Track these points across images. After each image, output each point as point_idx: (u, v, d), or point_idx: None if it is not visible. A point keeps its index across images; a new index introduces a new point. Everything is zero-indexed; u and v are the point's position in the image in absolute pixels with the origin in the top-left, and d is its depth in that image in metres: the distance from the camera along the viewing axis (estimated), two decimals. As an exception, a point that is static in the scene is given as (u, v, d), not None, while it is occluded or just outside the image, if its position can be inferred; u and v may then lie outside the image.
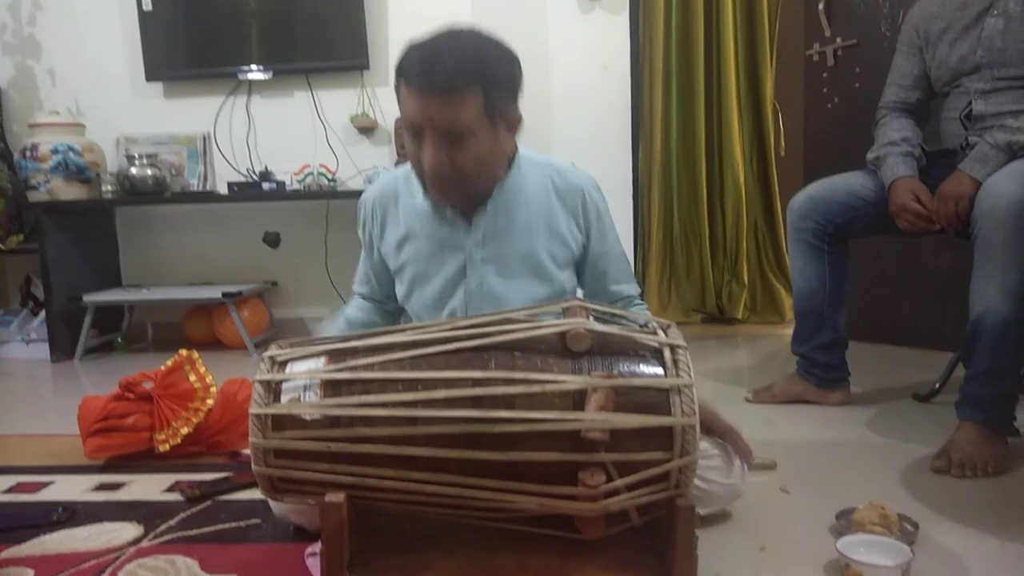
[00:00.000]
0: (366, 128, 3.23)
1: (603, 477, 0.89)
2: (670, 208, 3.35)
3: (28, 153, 3.06)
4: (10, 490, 1.60)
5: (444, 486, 0.93)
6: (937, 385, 2.07)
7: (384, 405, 0.94)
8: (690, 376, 0.93)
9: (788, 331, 2.16)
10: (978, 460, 1.52)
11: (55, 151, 3.05)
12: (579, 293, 1.40)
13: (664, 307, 3.33)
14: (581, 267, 1.37)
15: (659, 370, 0.95)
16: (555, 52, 3.13)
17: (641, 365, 0.95)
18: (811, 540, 1.25)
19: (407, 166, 1.30)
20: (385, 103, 3.24)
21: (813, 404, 2.04)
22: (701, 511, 1.24)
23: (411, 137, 1.17)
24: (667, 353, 0.96)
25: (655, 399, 0.92)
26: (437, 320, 1.23)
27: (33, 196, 3.07)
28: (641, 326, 1.05)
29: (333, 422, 0.95)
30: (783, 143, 3.36)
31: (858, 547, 1.12)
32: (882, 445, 1.74)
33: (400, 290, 1.37)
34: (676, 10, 3.23)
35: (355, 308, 1.47)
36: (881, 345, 2.74)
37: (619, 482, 0.90)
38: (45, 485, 1.62)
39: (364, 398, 0.95)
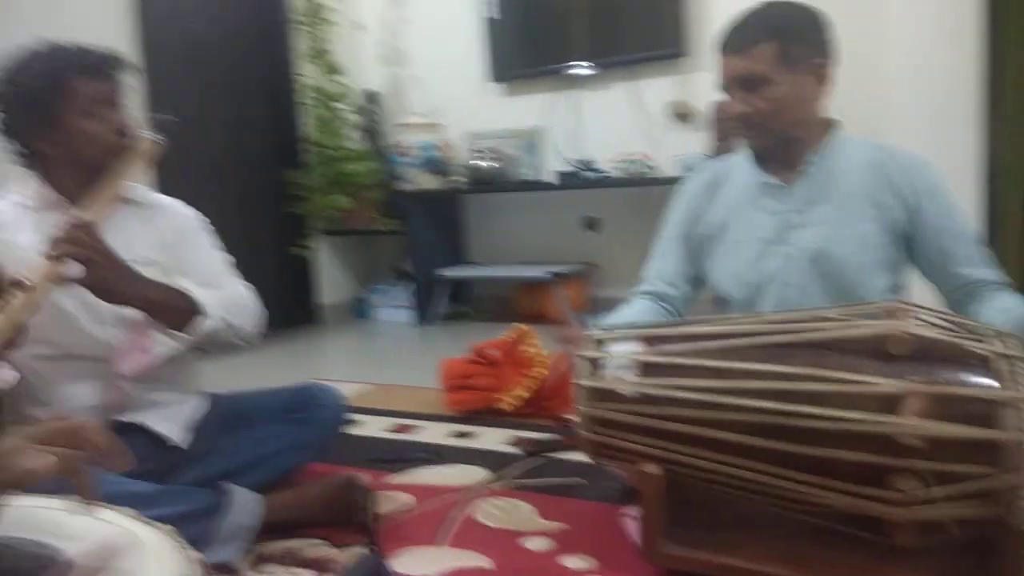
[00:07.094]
0: (683, 115, 3.29)
1: (916, 483, 0.89)
2: (1035, 191, 2.88)
3: (398, 149, 3.67)
4: (393, 429, 2.00)
5: (751, 471, 1.00)
6: None
7: (693, 389, 1.04)
8: (1026, 391, 0.88)
9: None
10: None
11: (421, 148, 3.61)
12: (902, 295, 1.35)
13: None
14: (914, 247, 1.34)
15: (990, 381, 0.91)
16: (893, 21, 2.86)
17: (967, 374, 0.92)
18: None
19: (737, 154, 1.46)
20: (703, 89, 3.25)
21: None
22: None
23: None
24: (1002, 364, 0.92)
25: (981, 411, 0.89)
26: (748, 289, 1.39)
27: (400, 187, 3.68)
28: (978, 335, 1.00)
29: (647, 400, 1.08)
30: None
31: None
32: None
33: (711, 261, 1.46)
34: (1051, -42, 2.74)
35: (635, 311, 1.46)
36: None
37: (937, 491, 0.89)
38: (416, 428, 2.00)
39: (676, 381, 1.06)
